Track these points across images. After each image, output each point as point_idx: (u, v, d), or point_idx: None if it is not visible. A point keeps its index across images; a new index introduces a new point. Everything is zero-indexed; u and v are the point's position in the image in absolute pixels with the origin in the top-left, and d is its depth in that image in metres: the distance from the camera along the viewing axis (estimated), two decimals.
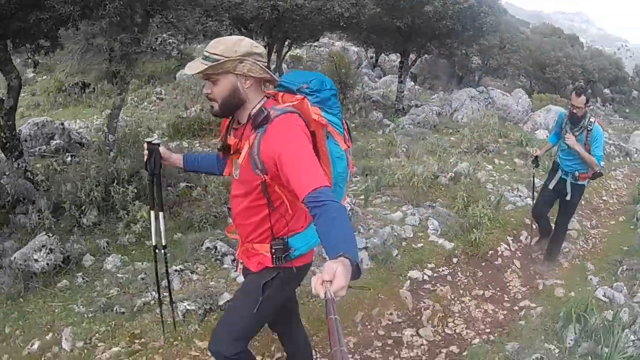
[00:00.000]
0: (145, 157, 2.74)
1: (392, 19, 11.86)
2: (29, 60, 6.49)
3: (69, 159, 7.00)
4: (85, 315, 3.96)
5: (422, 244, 5.89)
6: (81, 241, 4.92)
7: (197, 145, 9.23)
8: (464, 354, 4.19)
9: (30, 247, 4.36)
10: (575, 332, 4.10)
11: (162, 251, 3.23)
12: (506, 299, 5.37)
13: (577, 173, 5.48)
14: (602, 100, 26.66)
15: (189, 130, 9.91)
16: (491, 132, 11.35)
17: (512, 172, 9.36)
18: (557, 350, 3.94)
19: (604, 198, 9.28)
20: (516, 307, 5.18)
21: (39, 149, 7.73)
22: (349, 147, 2.59)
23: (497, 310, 5.12)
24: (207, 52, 2.18)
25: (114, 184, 5.36)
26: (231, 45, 2.18)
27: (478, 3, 11.93)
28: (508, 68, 23.73)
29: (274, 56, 14.60)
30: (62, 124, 8.47)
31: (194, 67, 2.19)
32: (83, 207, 5.30)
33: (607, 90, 27.98)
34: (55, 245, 4.46)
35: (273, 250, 2.42)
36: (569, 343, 4.04)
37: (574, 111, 5.30)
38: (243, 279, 2.79)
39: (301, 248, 2.49)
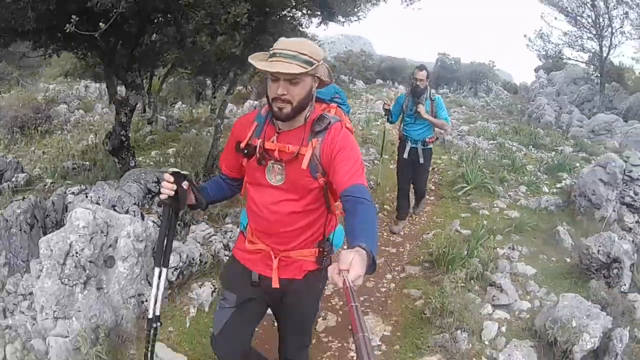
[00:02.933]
0: (166, 191, 2.42)
1: None
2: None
3: None
4: None
5: None
6: None
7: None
8: None
9: None
10: None
11: (155, 325, 2.66)
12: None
13: (426, 139, 6.56)
14: None
15: None
16: None
17: None
18: None
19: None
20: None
21: None
22: None
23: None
24: (292, 51, 2.17)
25: None
26: (315, 47, 2.25)
27: None
28: None
29: None
30: None
31: (288, 67, 2.15)
32: None
33: None
34: None
35: (324, 252, 2.52)
36: None
37: (417, 84, 6.40)
38: (261, 289, 2.63)
39: (338, 244, 2.64)
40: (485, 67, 34.65)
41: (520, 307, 4.62)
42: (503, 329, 4.27)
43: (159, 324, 2.65)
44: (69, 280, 3.70)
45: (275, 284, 2.53)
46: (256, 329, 3.15)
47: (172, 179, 2.42)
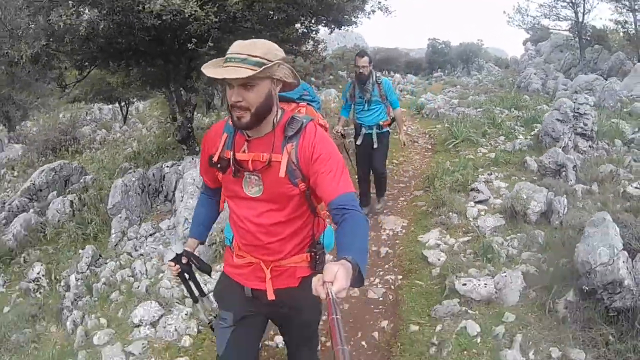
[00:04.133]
0: (175, 273, 2.83)
1: None
2: None
3: None
4: None
5: None
6: None
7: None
8: None
9: None
10: None
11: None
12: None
13: (381, 122, 6.76)
14: None
15: None
16: None
17: None
18: None
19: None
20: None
21: None
22: None
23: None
24: (243, 54, 2.14)
25: None
26: (270, 46, 2.21)
27: None
28: None
29: None
30: None
31: (236, 72, 2.11)
32: None
33: None
34: None
35: (316, 256, 2.55)
36: None
37: (361, 71, 6.52)
38: (254, 301, 2.67)
39: (330, 245, 2.63)
40: (475, 46, 37.26)
41: (494, 202, 6.92)
42: (482, 212, 6.60)
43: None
44: None
45: (271, 296, 2.54)
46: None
47: (172, 264, 2.77)
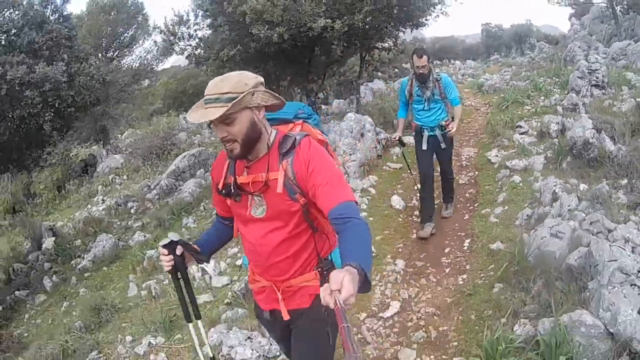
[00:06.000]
0: (166, 264, 2.80)
1: None
2: None
3: None
4: None
5: None
6: None
7: None
8: None
9: None
10: None
11: None
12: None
13: (442, 122, 6.91)
14: None
15: None
16: None
17: None
18: None
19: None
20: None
21: None
22: (338, 164, 3.06)
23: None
24: (215, 94, 2.40)
25: None
26: (238, 79, 2.45)
27: None
28: None
29: None
30: None
31: (211, 113, 2.37)
32: None
33: None
34: None
35: (324, 273, 2.72)
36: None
37: (421, 72, 6.64)
38: (271, 326, 3.09)
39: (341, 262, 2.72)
40: (526, 27, 41.28)
41: (531, 132, 11.43)
42: (523, 136, 11.10)
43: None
44: None
45: (286, 316, 2.77)
46: None
47: (166, 251, 2.77)
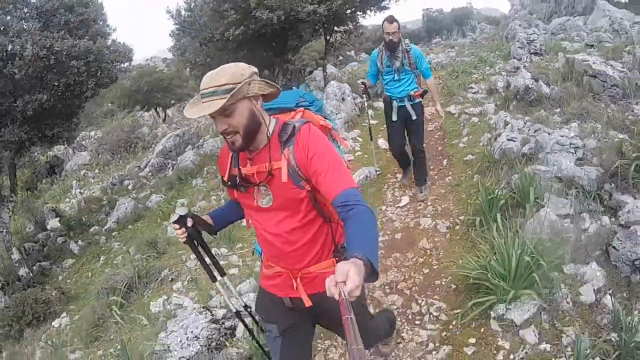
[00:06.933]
0: (180, 237, 2.97)
1: None
2: None
3: None
4: None
5: None
6: None
7: None
8: None
9: None
10: None
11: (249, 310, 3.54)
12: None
13: (411, 92, 6.94)
14: None
15: None
16: None
17: None
18: None
19: None
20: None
21: None
22: (345, 146, 3.21)
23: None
24: (211, 87, 2.42)
25: None
26: (234, 70, 2.47)
27: None
28: None
29: None
30: None
31: (210, 106, 2.39)
32: None
33: None
34: None
35: (344, 260, 2.45)
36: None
37: (390, 38, 6.66)
38: (293, 311, 2.98)
39: None
40: (466, 10, 44.47)
41: (481, 91, 13.87)
42: (475, 94, 13.61)
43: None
44: None
45: (308, 303, 2.81)
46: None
47: (177, 225, 2.94)
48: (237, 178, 2.71)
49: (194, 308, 5.74)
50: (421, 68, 6.90)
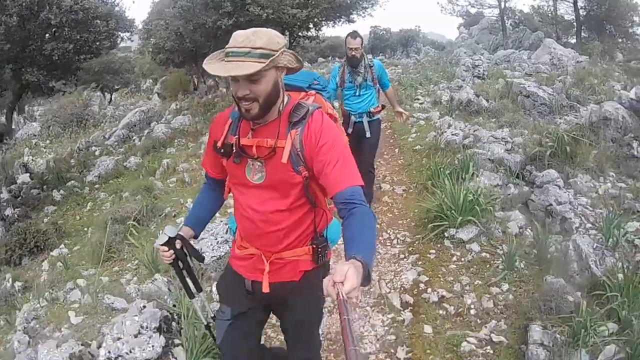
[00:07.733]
0: (167, 259, 2.89)
1: None
2: None
3: None
4: None
5: None
6: None
7: None
8: None
9: None
10: None
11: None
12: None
13: (371, 109, 6.87)
14: None
15: None
16: None
17: None
18: None
19: None
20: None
21: None
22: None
23: None
24: (245, 47, 2.30)
25: None
26: (271, 36, 2.37)
27: None
28: None
29: None
30: None
31: (242, 67, 2.28)
32: None
33: None
34: None
35: (319, 249, 2.74)
36: None
37: (353, 54, 6.65)
38: (251, 294, 2.89)
39: (335, 239, 2.90)
40: (414, 32, 46.73)
41: (427, 103, 15.70)
42: (421, 104, 15.50)
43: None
44: None
45: (265, 289, 2.74)
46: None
47: (166, 248, 2.84)
48: (234, 147, 2.61)
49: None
50: (382, 81, 6.96)
